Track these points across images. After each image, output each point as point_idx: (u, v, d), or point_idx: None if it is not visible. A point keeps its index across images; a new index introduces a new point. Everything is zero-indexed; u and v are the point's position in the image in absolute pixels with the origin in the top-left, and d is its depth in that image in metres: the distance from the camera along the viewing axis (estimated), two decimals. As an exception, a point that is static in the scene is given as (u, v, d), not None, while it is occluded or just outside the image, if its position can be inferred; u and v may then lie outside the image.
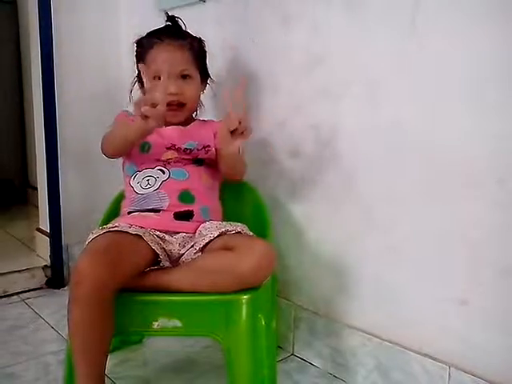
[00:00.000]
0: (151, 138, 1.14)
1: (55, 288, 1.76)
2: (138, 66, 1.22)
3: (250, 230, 1.09)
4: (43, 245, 1.84)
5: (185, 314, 0.97)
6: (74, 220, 1.77)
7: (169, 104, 1.15)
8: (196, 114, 1.29)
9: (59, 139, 1.73)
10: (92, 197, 1.79)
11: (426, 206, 1.04)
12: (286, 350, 1.34)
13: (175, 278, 0.99)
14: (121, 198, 1.22)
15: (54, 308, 1.60)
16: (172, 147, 1.16)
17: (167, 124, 1.19)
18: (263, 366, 0.97)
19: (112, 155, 1.16)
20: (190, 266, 1.02)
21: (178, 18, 1.25)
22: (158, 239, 1.06)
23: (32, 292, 1.73)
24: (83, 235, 1.07)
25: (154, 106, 0.97)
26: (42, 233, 1.88)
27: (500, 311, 0.95)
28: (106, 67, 1.83)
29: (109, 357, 0.96)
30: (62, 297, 1.65)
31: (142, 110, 0.96)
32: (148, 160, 1.16)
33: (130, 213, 1.14)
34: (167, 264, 1.04)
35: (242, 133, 1.02)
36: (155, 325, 0.96)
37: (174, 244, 1.08)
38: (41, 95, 1.71)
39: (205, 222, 1.11)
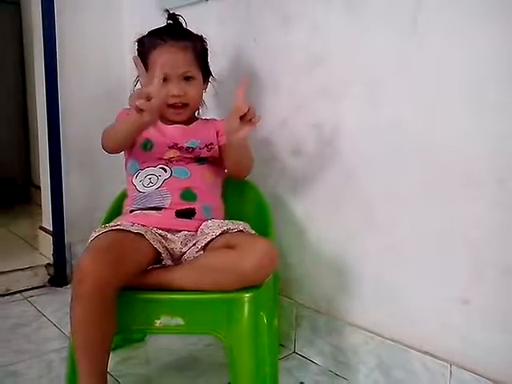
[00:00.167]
0: (153, 137, 1.14)
1: (58, 286, 1.77)
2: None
3: (252, 229, 1.09)
4: (46, 243, 1.85)
5: (187, 312, 0.98)
6: (77, 218, 1.78)
7: (172, 105, 1.16)
8: (198, 113, 1.29)
9: (62, 138, 1.73)
10: (94, 195, 1.80)
11: (426, 206, 1.04)
12: (287, 348, 1.34)
13: (177, 276, 0.99)
14: (123, 196, 1.23)
15: (57, 306, 1.60)
16: (174, 146, 1.16)
17: (170, 122, 1.20)
18: (265, 363, 0.97)
19: (112, 150, 1.16)
20: (192, 265, 1.02)
21: (179, 15, 1.24)
22: (160, 237, 1.06)
23: (35, 290, 1.74)
24: (86, 234, 1.08)
25: (148, 99, 0.97)
26: (45, 231, 1.88)
27: (500, 310, 0.95)
28: (109, 66, 1.84)
29: (111, 355, 0.96)
30: (64, 295, 1.66)
31: (137, 103, 0.96)
32: (150, 158, 1.17)
33: (132, 211, 1.14)
34: (169, 262, 1.04)
35: (251, 120, 1.03)
36: (157, 323, 0.97)
37: (176, 242, 1.08)
38: (44, 94, 1.71)
39: (207, 220, 1.12)
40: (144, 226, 1.06)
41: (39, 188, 1.95)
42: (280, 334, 1.30)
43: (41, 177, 1.90)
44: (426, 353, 1.06)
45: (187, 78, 1.17)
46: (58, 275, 1.78)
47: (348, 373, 1.21)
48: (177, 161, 1.17)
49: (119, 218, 1.13)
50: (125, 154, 1.22)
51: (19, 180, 2.93)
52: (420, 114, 1.02)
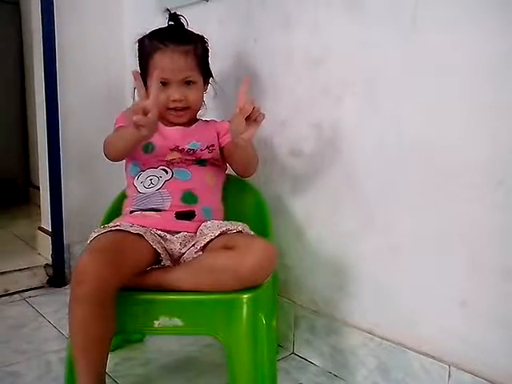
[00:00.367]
0: (154, 140, 1.14)
1: (57, 287, 1.77)
2: (140, 66, 1.23)
3: (251, 230, 1.09)
4: (45, 244, 1.85)
5: (185, 312, 0.98)
6: (76, 219, 1.78)
7: (173, 108, 1.16)
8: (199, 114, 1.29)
9: (61, 139, 1.73)
10: (93, 196, 1.79)
11: (425, 207, 1.04)
12: (286, 349, 1.34)
13: (176, 277, 0.99)
14: (122, 197, 1.23)
15: (56, 307, 1.60)
16: (175, 148, 1.16)
17: (171, 124, 1.20)
18: (263, 364, 0.97)
19: (113, 159, 1.17)
20: (191, 265, 1.02)
21: (180, 15, 1.24)
22: (159, 238, 1.06)
23: (33, 291, 1.74)
24: (85, 234, 1.07)
25: (145, 113, 0.96)
26: (44, 232, 1.88)
27: (499, 311, 0.95)
28: (109, 67, 1.84)
29: (110, 355, 0.96)
30: (63, 295, 1.66)
31: (134, 118, 0.96)
32: (151, 160, 1.17)
33: (131, 212, 1.14)
34: (168, 263, 1.04)
35: (256, 119, 1.03)
36: (156, 323, 0.97)
37: (175, 243, 1.08)
38: (43, 95, 1.71)
39: (206, 221, 1.12)
40: (143, 226, 1.06)
41: (38, 188, 1.95)
42: (278, 335, 1.30)
43: (40, 177, 1.89)
44: (424, 354, 1.06)
45: (188, 83, 1.17)
46: (57, 276, 1.78)
47: (347, 374, 1.21)
48: (178, 162, 1.17)
49: (118, 218, 1.13)
50: (125, 156, 1.22)
51: (19, 180, 2.93)
52: (419, 114, 1.03)
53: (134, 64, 1.27)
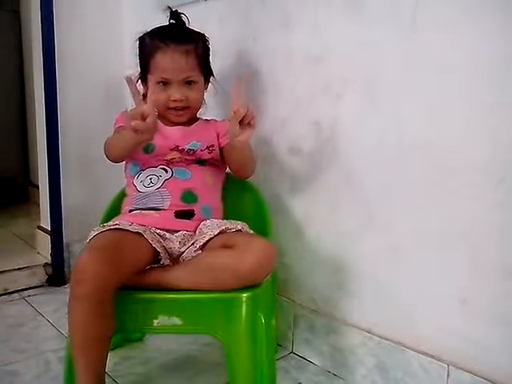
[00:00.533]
0: (155, 139, 1.14)
1: (56, 286, 1.77)
2: (140, 64, 1.22)
3: (251, 228, 1.09)
4: (44, 243, 1.85)
5: (184, 311, 0.98)
6: (75, 218, 1.78)
7: (173, 108, 1.16)
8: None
9: (61, 138, 1.73)
10: (93, 195, 1.79)
11: (425, 205, 1.04)
12: (285, 348, 1.34)
13: (175, 275, 0.99)
14: (122, 196, 1.23)
15: (55, 306, 1.60)
16: (175, 148, 1.16)
17: (171, 124, 1.20)
18: (263, 363, 0.97)
19: (115, 160, 1.17)
20: (190, 264, 1.02)
21: (181, 13, 1.23)
22: (158, 237, 1.06)
23: (33, 290, 1.73)
24: (84, 233, 1.08)
25: (143, 118, 0.97)
26: (43, 231, 1.88)
27: (499, 310, 0.95)
28: (108, 67, 1.83)
29: (109, 354, 0.96)
30: (62, 295, 1.66)
31: (132, 124, 0.96)
32: (151, 160, 1.17)
33: (131, 211, 1.14)
34: (167, 262, 1.04)
35: (249, 123, 1.03)
36: (155, 322, 0.97)
37: (175, 242, 1.08)
38: (43, 93, 1.71)
39: (205, 220, 1.12)
40: (142, 225, 1.06)
41: (38, 187, 1.95)
42: (278, 334, 1.30)
43: (39, 176, 1.89)
44: (423, 353, 1.06)
45: (189, 82, 1.17)
46: (56, 275, 1.78)
47: (346, 373, 1.21)
48: (178, 162, 1.17)
49: (118, 217, 1.13)
50: (125, 156, 1.22)
51: (18, 179, 2.93)
52: (419, 113, 1.03)
53: (133, 64, 1.26)
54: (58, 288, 1.76)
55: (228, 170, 1.26)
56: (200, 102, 1.22)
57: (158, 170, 1.16)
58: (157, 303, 0.98)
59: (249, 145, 1.14)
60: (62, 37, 1.71)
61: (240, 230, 1.06)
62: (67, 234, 1.78)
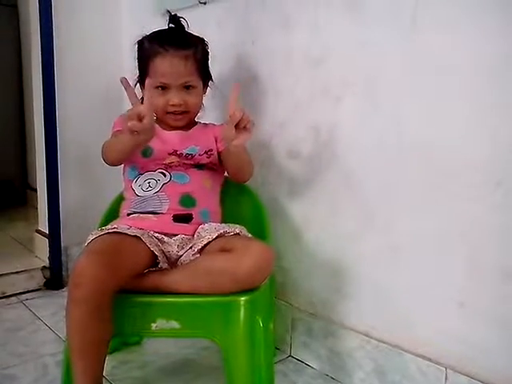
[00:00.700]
0: (153, 144, 1.14)
1: (54, 289, 1.76)
2: (139, 68, 1.23)
3: (249, 232, 1.10)
4: (42, 246, 1.84)
5: (183, 315, 0.98)
6: (73, 221, 1.77)
7: (172, 112, 1.17)
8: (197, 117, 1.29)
9: (59, 141, 1.73)
10: (91, 198, 1.79)
11: (424, 207, 1.04)
12: (283, 352, 1.34)
13: (173, 279, 0.99)
14: (120, 199, 1.22)
15: (53, 309, 1.60)
16: (173, 153, 1.16)
17: (169, 128, 1.20)
18: (261, 367, 0.97)
19: (112, 163, 1.17)
20: (189, 268, 1.02)
21: (181, 17, 1.24)
22: (156, 241, 1.06)
23: (30, 293, 1.73)
24: (82, 237, 1.08)
25: (140, 119, 0.97)
26: (41, 234, 1.88)
27: (498, 312, 0.95)
28: (107, 69, 1.84)
29: (107, 358, 0.96)
30: (60, 298, 1.65)
31: (129, 125, 0.96)
32: (150, 164, 1.17)
33: (129, 214, 1.14)
34: (166, 266, 1.04)
35: (245, 127, 1.03)
36: (153, 326, 0.97)
37: (173, 246, 1.08)
38: (41, 97, 1.71)
39: (203, 223, 1.12)
40: (141, 229, 1.06)
41: (36, 190, 1.95)
42: (276, 338, 1.29)
43: (37, 179, 1.89)
44: (421, 356, 1.06)
45: (187, 87, 1.17)
46: (54, 278, 1.78)
47: (344, 376, 1.21)
48: (176, 166, 1.17)
49: (116, 221, 1.13)
50: (123, 160, 1.22)
51: (16, 182, 2.93)
52: (419, 113, 1.03)
53: (132, 66, 1.27)
54: (56, 291, 1.75)
55: (226, 173, 1.26)
56: (198, 107, 1.23)
57: (157, 174, 1.16)
58: (155, 307, 0.98)
59: (245, 149, 1.14)
60: (60, 32, 1.71)
61: (238, 234, 1.07)
62: (65, 238, 1.78)
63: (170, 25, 1.23)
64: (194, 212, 1.13)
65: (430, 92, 1.01)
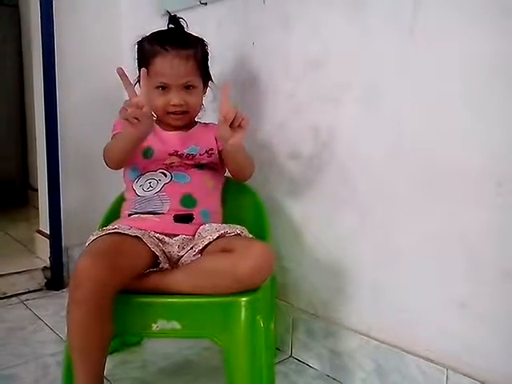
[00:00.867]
0: (154, 145, 1.15)
1: (54, 290, 1.77)
2: (139, 68, 1.22)
3: (250, 232, 1.10)
4: (43, 246, 1.84)
5: (183, 315, 0.98)
6: (74, 222, 1.78)
7: (172, 112, 1.17)
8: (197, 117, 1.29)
9: (60, 141, 1.73)
10: (92, 199, 1.79)
11: (424, 208, 1.04)
12: (284, 352, 1.34)
13: (174, 279, 0.99)
14: (121, 200, 1.23)
15: (53, 310, 1.60)
16: (174, 153, 1.16)
17: (169, 128, 1.20)
18: (261, 367, 0.97)
19: (115, 167, 1.17)
20: (189, 268, 1.02)
21: (180, 18, 1.24)
22: (157, 241, 1.06)
23: (31, 293, 1.73)
24: (83, 237, 1.07)
25: (139, 108, 0.98)
26: (42, 234, 1.88)
27: (499, 313, 0.95)
28: (108, 69, 1.83)
29: (108, 358, 0.96)
30: (61, 298, 1.66)
31: (129, 111, 0.97)
32: (151, 165, 1.17)
33: (130, 215, 1.15)
34: (166, 266, 1.04)
35: (240, 125, 1.04)
36: (154, 327, 0.97)
37: (174, 246, 1.08)
38: (42, 97, 1.71)
39: (204, 224, 1.12)
40: (141, 229, 1.06)
41: (37, 191, 1.95)
42: (276, 338, 1.30)
43: (38, 179, 1.90)
44: (422, 357, 1.06)
45: (188, 87, 1.17)
46: (55, 279, 1.78)
47: (345, 377, 1.21)
48: (177, 166, 1.17)
49: (117, 221, 1.13)
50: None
51: (17, 182, 2.93)
52: (419, 115, 1.03)
53: (132, 66, 1.27)
54: (57, 292, 1.76)
55: (227, 173, 1.26)
56: (199, 107, 1.23)
57: (158, 174, 1.16)
58: (156, 307, 0.98)
59: (243, 147, 1.14)
60: (61, 32, 1.72)
61: (239, 234, 1.07)
62: (66, 238, 1.78)
63: (170, 25, 1.23)
64: (195, 212, 1.13)
65: (429, 93, 1.01)
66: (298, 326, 1.31)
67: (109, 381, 1.19)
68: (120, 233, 1.03)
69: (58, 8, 1.70)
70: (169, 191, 1.14)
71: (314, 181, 1.25)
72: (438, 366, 1.03)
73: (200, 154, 1.18)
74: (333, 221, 1.22)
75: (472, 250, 0.97)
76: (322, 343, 1.25)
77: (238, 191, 1.29)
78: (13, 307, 1.63)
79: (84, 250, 0.98)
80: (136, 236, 1.02)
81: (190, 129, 1.23)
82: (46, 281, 1.78)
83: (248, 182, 1.27)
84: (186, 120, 1.20)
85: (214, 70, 1.27)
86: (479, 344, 0.97)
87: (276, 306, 1.29)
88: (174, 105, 1.15)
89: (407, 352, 1.08)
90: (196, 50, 1.18)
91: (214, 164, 1.21)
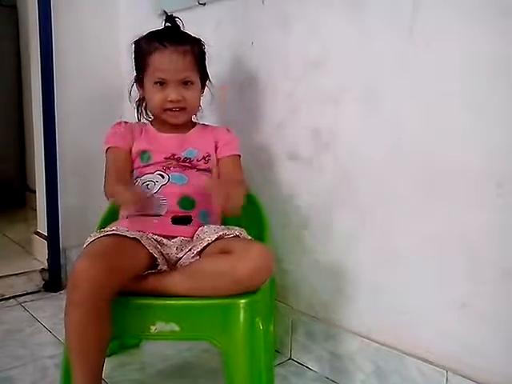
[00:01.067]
0: (151, 148, 1.15)
1: (52, 291, 1.76)
2: (136, 67, 1.22)
3: (249, 234, 1.09)
4: (41, 248, 1.84)
5: (182, 317, 0.97)
6: (72, 223, 1.77)
7: (169, 109, 1.16)
8: (196, 117, 1.29)
9: (58, 143, 1.73)
10: (90, 200, 1.78)
11: (424, 208, 1.04)
12: (283, 354, 1.34)
13: (173, 281, 0.99)
14: (119, 201, 1.22)
15: (51, 311, 1.59)
16: (171, 157, 1.16)
17: (166, 129, 1.20)
18: (261, 370, 0.97)
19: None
20: (188, 270, 1.01)
21: (176, 17, 1.23)
22: (155, 243, 1.06)
23: (29, 295, 1.73)
24: (81, 239, 1.07)
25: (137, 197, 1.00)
26: (40, 236, 1.87)
27: (499, 315, 0.95)
28: (105, 70, 1.84)
29: (106, 361, 0.96)
30: (59, 300, 1.65)
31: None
32: (148, 168, 1.17)
33: (128, 216, 1.14)
34: (165, 268, 1.04)
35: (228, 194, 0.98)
36: (153, 329, 0.96)
37: (172, 248, 1.08)
38: (40, 98, 1.71)
39: (203, 225, 1.11)
40: (140, 231, 1.06)
41: (34, 192, 1.95)
42: (276, 340, 1.29)
43: (36, 181, 1.89)
44: (422, 359, 1.05)
45: (186, 83, 1.17)
46: (53, 280, 1.77)
47: (344, 379, 1.20)
48: (174, 167, 1.16)
49: (115, 223, 1.13)
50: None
51: (15, 184, 2.92)
52: (419, 116, 1.03)
53: (130, 66, 1.26)
54: (55, 294, 1.75)
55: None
56: (196, 104, 1.22)
57: (155, 176, 1.16)
58: (154, 309, 0.97)
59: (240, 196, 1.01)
60: (59, 33, 1.71)
61: (238, 236, 1.06)
62: (64, 240, 1.78)
63: (167, 24, 1.23)
64: (193, 214, 1.13)
65: (429, 94, 1.01)
66: (298, 328, 1.30)
67: (107, 383, 1.18)
68: (118, 234, 1.02)
69: (56, 8, 1.69)
70: (166, 193, 1.13)
71: (314, 182, 1.24)
72: (438, 368, 1.02)
73: (197, 160, 1.18)
74: (332, 222, 1.21)
75: (472, 250, 0.97)
76: (321, 345, 1.25)
77: (237, 192, 1.28)
78: (10, 309, 1.63)
79: (82, 252, 0.98)
80: (134, 238, 1.02)
81: (188, 131, 1.22)
82: (43, 282, 1.77)
83: (247, 183, 1.26)
84: (183, 118, 1.20)
85: (212, 70, 1.26)
86: (479, 345, 0.97)
87: (275, 308, 1.29)
88: (171, 101, 1.15)
89: (407, 354, 1.08)
90: (193, 46, 1.18)
91: (212, 169, 1.21)
